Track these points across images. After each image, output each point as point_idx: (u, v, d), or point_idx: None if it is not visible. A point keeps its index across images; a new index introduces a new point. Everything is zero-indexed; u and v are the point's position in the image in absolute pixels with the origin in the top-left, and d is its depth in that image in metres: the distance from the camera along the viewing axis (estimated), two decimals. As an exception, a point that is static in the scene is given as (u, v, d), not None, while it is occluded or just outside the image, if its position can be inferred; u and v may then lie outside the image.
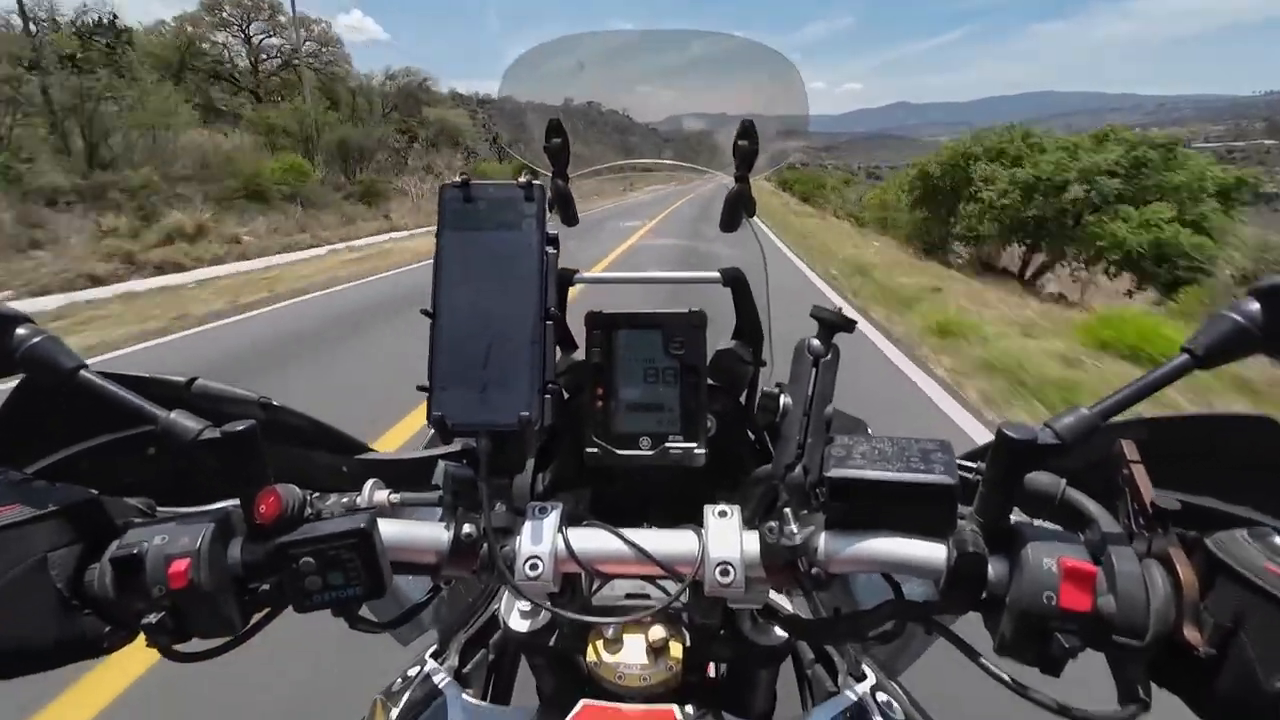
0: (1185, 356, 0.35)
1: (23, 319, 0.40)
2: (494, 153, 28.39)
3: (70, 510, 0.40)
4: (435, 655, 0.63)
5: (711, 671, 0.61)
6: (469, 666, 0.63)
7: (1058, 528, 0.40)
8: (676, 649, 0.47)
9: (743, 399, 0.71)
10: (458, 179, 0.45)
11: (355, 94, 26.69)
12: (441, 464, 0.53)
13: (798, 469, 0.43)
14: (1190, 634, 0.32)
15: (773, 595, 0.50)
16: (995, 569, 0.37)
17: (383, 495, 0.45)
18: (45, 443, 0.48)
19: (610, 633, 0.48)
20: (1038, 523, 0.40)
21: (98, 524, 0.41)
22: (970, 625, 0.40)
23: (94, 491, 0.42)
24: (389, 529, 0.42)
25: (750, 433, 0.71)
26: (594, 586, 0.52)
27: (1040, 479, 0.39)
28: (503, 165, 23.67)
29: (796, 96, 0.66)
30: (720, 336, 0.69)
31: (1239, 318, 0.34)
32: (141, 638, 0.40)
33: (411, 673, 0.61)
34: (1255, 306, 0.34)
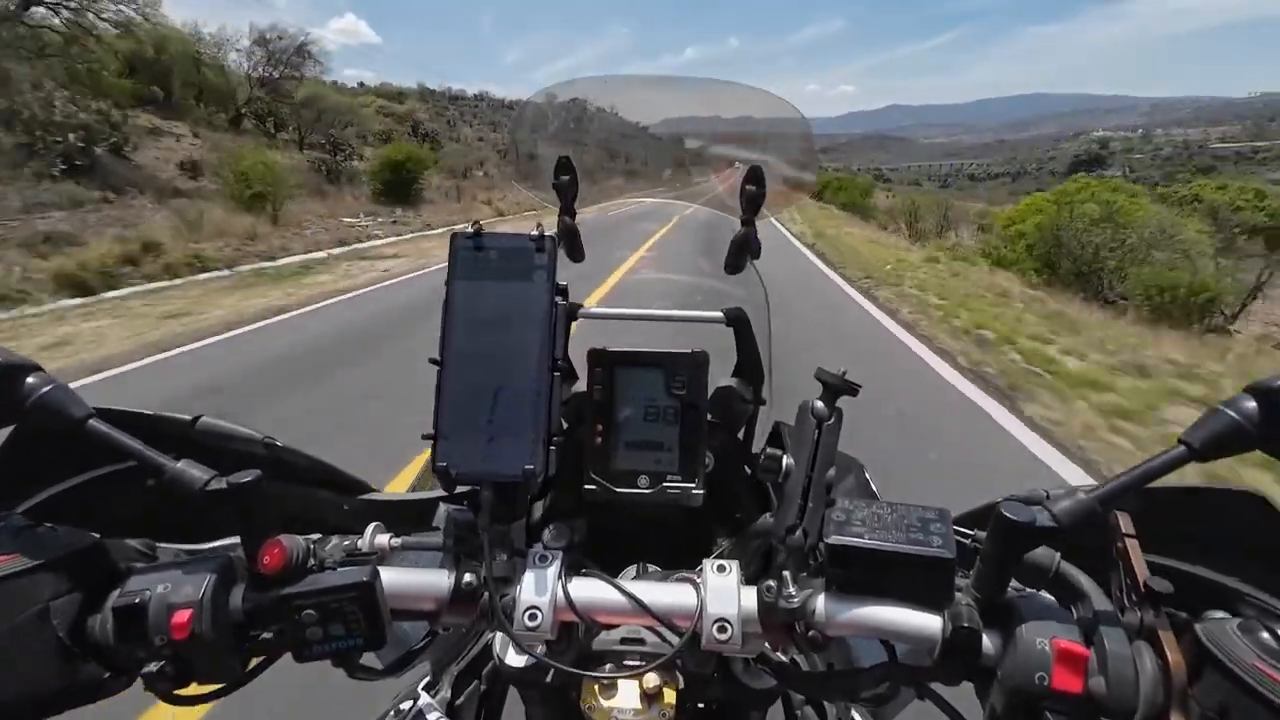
0: (1183, 449, 0.36)
1: (32, 367, 0.40)
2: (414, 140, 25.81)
3: (72, 557, 0.40)
4: (428, 688, 0.63)
5: (702, 710, 0.60)
6: (461, 699, 0.63)
7: (1052, 599, 0.41)
8: (670, 695, 0.47)
9: (741, 436, 0.71)
10: (470, 228, 0.46)
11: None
12: (443, 507, 0.53)
13: (798, 532, 0.43)
14: None
15: (767, 645, 0.50)
16: (989, 643, 0.38)
17: (384, 539, 0.46)
18: (45, 477, 0.47)
19: (605, 681, 0.48)
20: (1031, 593, 0.41)
21: (99, 569, 0.41)
22: (961, 689, 0.41)
23: (95, 535, 0.42)
24: (390, 577, 0.43)
25: (748, 469, 0.70)
26: (591, 631, 0.52)
27: (1038, 552, 0.40)
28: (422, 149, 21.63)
29: (806, 146, 0.68)
30: (720, 372, 0.69)
31: (1236, 415, 0.35)
32: (139, 682, 0.40)
33: (404, 706, 0.61)
34: (1252, 405, 0.35)
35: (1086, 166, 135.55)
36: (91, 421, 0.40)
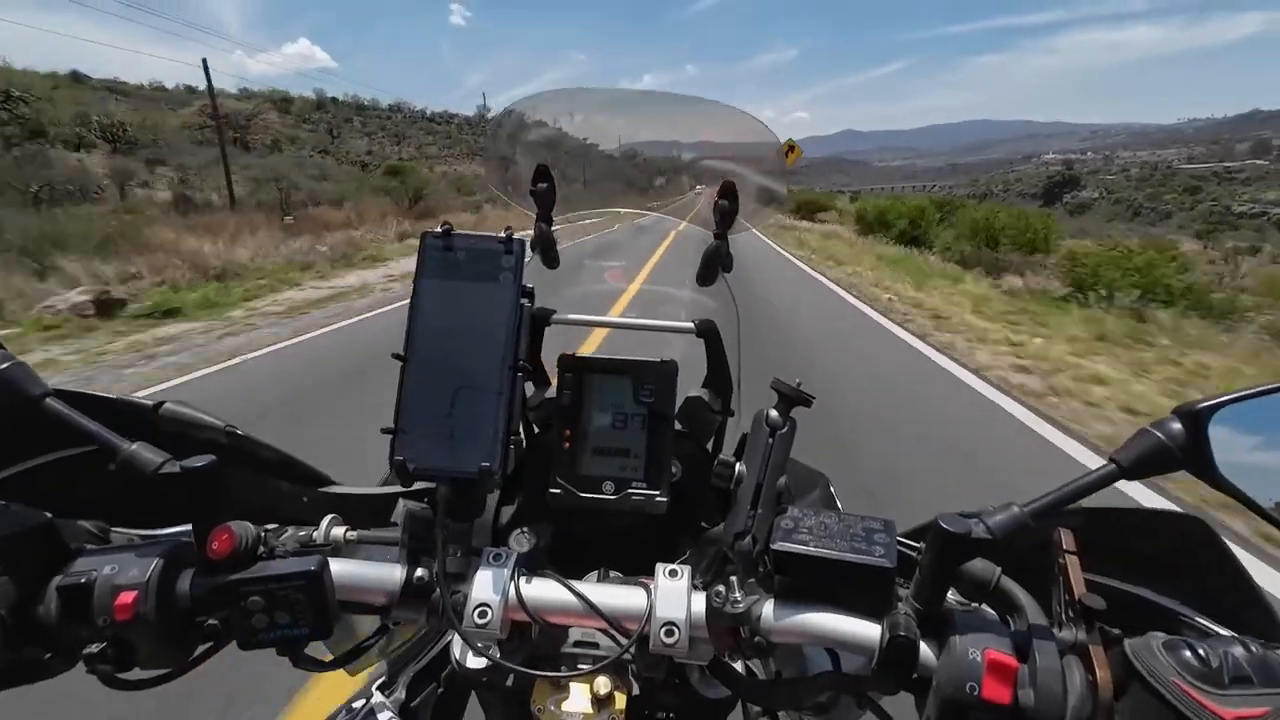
0: (1112, 467, 0.37)
1: None
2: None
3: (21, 536, 0.40)
4: (382, 688, 0.62)
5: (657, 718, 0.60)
6: (416, 701, 0.62)
7: (991, 613, 0.41)
8: (621, 700, 0.47)
9: (709, 446, 0.72)
10: (439, 228, 0.46)
11: None
12: (402, 503, 0.53)
13: (747, 539, 0.44)
14: None
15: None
16: (926, 653, 0.38)
17: (340, 531, 0.46)
18: (2, 457, 0.47)
19: (558, 682, 0.48)
20: (974, 606, 0.42)
21: (48, 549, 0.41)
22: (905, 703, 0.41)
23: (47, 515, 0.42)
24: (341, 569, 0.43)
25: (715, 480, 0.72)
26: (543, 633, 0.52)
27: (978, 565, 0.40)
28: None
29: (776, 162, 0.71)
30: (690, 383, 0.70)
31: (1162, 436, 0.36)
32: (81, 664, 0.40)
33: (356, 705, 0.61)
34: (1177, 427, 0.36)
35: (1061, 189, 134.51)
36: (49, 400, 0.40)
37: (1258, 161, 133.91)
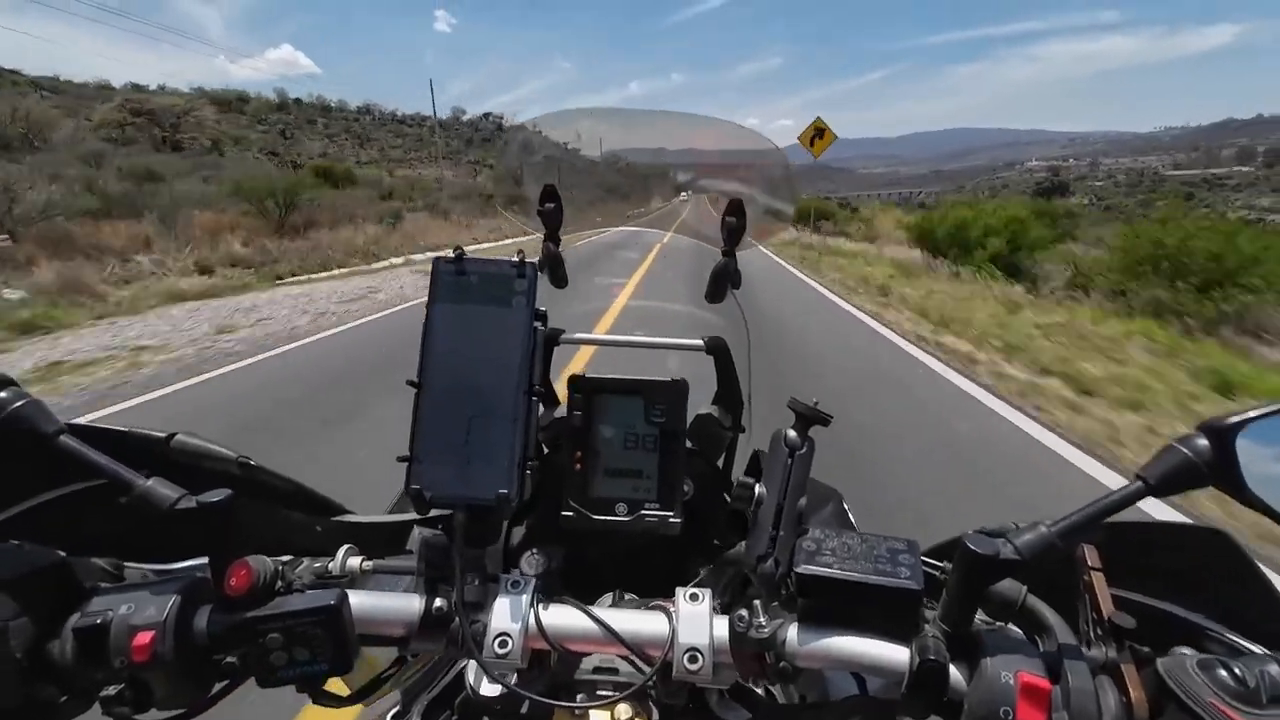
0: (1140, 484, 0.37)
1: (4, 381, 0.39)
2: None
3: (34, 576, 0.39)
4: (397, 717, 0.61)
5: None
6: None
7: (1019, 634, 0.41)
8: None
9: (720, 464, 0.72)
10: (451, 253, 0.46)
11: None
12: (416, 530, 0.53)
13: (770, 561, 0.43)
14: None
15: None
16: (956, 676, 0.38)
17: (355, 562, 0.45)
18: (11, 495, 0.47)
19: (577, 712, 0.47)
20: (1000, 626, 0.41)
21: (62, 589, 0.40)
22: None
23: (61, 553, 0.41)
24: (359, 601, 0.42)
25: (727, 497, 0.70)
26: (563, 660, 0.51)
27: (1003, 585, 0.40)
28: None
29: (784, 179, 0.70)
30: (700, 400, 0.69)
31: (1189, 452, 0.36)
32: (97, 706, 0.39)
33: None
34: (1204, 443, 0.36)
35: (1049, 195, 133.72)
36: (62, 437, 0.40)
37: (1243, 168, 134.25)
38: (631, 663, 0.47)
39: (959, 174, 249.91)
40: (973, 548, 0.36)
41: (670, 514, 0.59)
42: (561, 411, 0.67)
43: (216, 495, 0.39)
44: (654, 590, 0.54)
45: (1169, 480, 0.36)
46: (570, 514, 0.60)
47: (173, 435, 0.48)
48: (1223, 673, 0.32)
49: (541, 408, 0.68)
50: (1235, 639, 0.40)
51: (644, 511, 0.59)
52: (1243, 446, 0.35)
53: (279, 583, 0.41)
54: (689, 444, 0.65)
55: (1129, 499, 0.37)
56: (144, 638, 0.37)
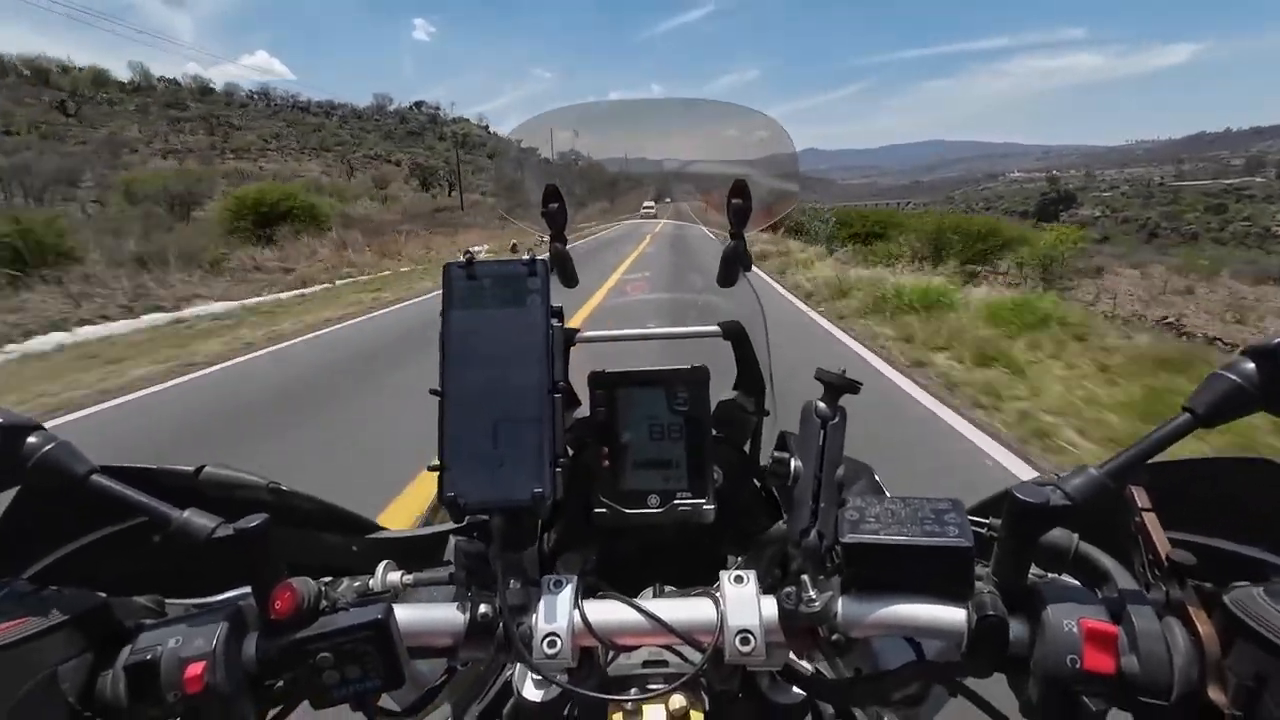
0: (1187, 416, 0.36)
1: (33, 427, 0.39)
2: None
3: (80, 619, 0.39)
4: None
5: None
6: None
7: (1075, 583, 0.40)
8: (697, 717, 0.45)
9: (747, 448, 0.71)
10: (462, 258, 0.46)
11: None
12: (453, 540, 0.52)
13: (812, 534, 0.42)
14: (1215, 694, 0.32)
15: (792, 655, 0.48)
16: (1016, 631, 0.37)
17: (396, 577, 0.45)
18: (50, 541, 0.47)
19: (630, 705, 0.46)
20: (1054, 578, 0.40)
21: (107, 629, 0.40)
22: (992, 681, 0.40)
23: (102, 595, 0.41)
24: (405, 615, 0.42)
25: (757, 482, 0.69)
26: (611, 656, 0.51)
27: (1054, 534, 0.39)
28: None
29: (787, 157, 0.68)
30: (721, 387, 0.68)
31: (1236, 378, 0.35)
32: None
33: None
34: (1251, 366, 0.35)
35: (1055, 206, 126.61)
36: (94, 477, 0.40)
37: (1255, 179, 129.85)
38: (680, 654, 0.47)
39: (939, 185, 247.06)
40: (1022, 497, 0.36)
41: (703, 501, 0.59)
42: (583, 411, 0.66)
43: (253, 520, 0.38)
44: (692, 581, 0.54)
45: (1218, 408, 0.35)
46: (603, 510, 0.60)
47: (201, 468, 0.48)
48: None
49: (564, 409, 0.67)
50: None
51: (676, 501, 0.59)
52: None
53: (323, 603, 0.41)
54: (715, 431, 0.65)
55: (1178, 432, 0.36)
56: (195, 669, 0.37)
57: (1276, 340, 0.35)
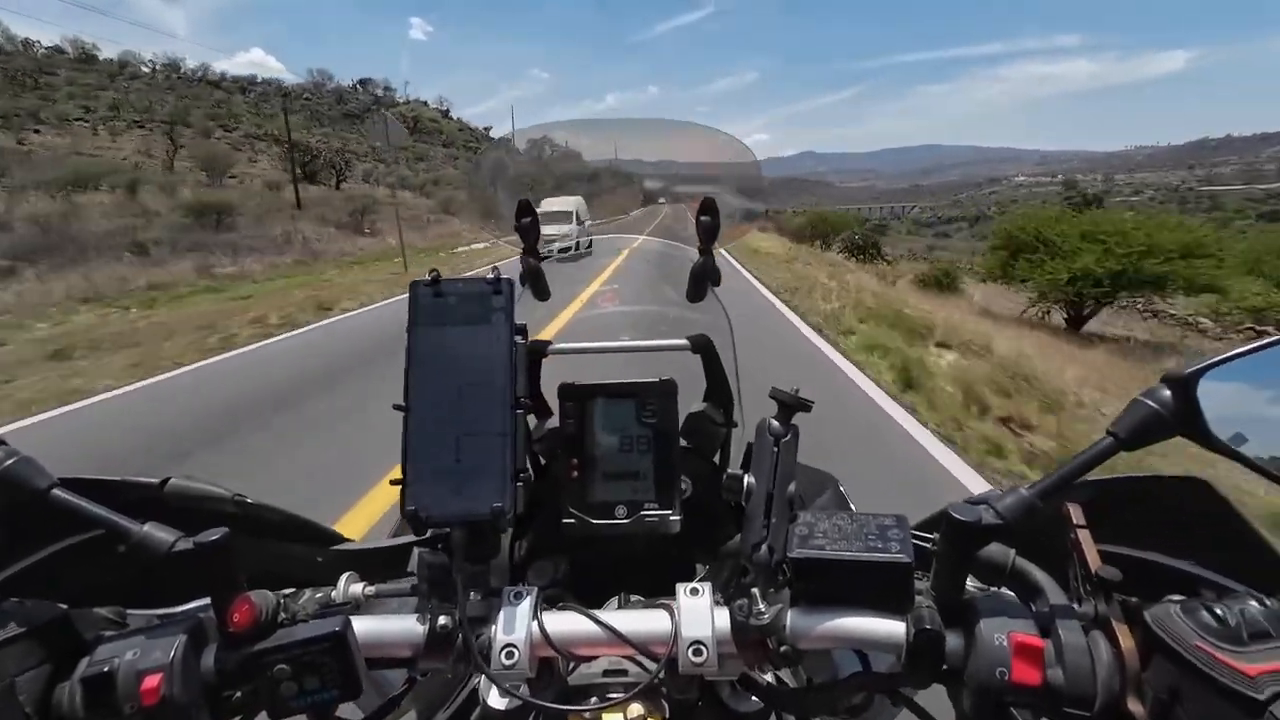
0: (1110, 440, 0.38)
1: None
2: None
3: (39, 630, 0.39)
4: None
5: None
6: None
7: (1011, 596, 0.41)
8: None
9: (716, 459, 0.72)
10: (428, 276, 0.47)
11: None
12: (416, 552, 0.53)
13: (763, 549, 0.43)
14: (1134, 706, 0.34)
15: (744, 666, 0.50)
16: (952, 644, 0.38)
17: (358, 589, 0.46)
18: (11, 553, 0.47)
19: (589, 714, 0.47)
20: (992, 591, 0.42)
21: (67, 640, 0.40)
22: (937, 695, 0.41)
23: (62, 606, 0.41)
24: (364, 626, 0.42)
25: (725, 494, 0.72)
26: (571, 666, 0.52)
27: (992, 550, 0.41)
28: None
29: (753, 176, 0.72)
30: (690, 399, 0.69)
31: (1154, 404, 0.37)
32: None
33: None
34: (1167, 394, 0.37)
35: (1083, 209, 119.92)
36: (55, 491, 0.40)
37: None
38: (639, 664, 0.48)
39: (940, 188, 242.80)
40: (956, 515, 0.37)
41: (670, 512, 0.60)
42: (554, 422, 0.67)
43: (213, 534, 0.39)
44: (659, 590, 0.55)
45: (1137, 433, 0.37)
46: (571, 521, 0.61)
47: (166, 480, 0.48)
48: (1205, 615, 0.33)
49: (534, 419, 0.69)
50: (1222, 581, 0.41)
51: (644, 512, 0.60)
52: (1205, 394, 0.36)
53: (282, 615, 0.41)
54: (684, 443, 0.66)
55: (1101, 455, 0.38)
56: (152, 681, 0.37)
57: (1189, 370, 0.36)
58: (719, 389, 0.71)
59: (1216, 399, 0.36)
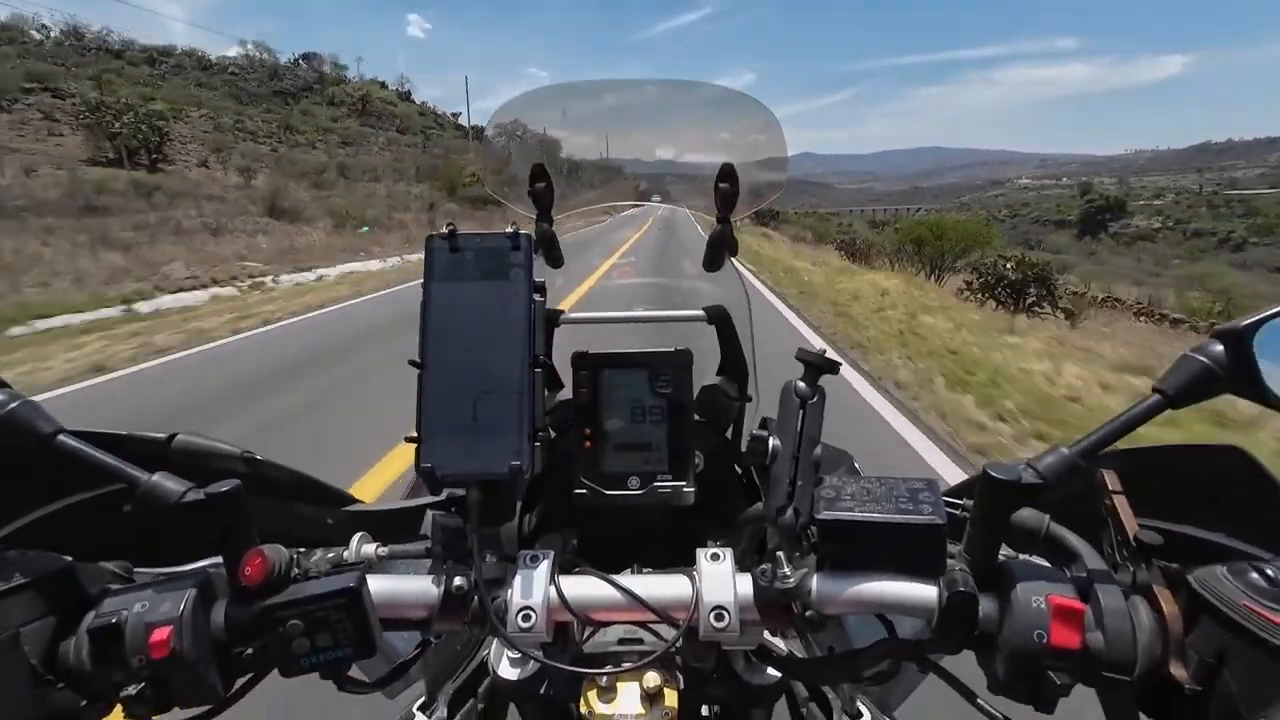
0: (1157, 397, 0.37)
1: None
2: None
3: (43, 581, 0.38)
4: (423, 708, 0.60)
5: (705, 711, 0.58)
6: (458, 717, 0.61)
7: (1045, 563, 0.40)
8: (671, 696, 0.46)
9: (729, 434, 0.71)
10: (444, 230, 0.45)
11: None
12: (429, 513, 0.52)
13: (789, 512, 0.42)
14: (1176, 670, 0.33)
15: (766, 635, 0.48)
16: (986, 608, 0.37)
17: (370, 549, 0.45)
18: (16, 505, 0.46)
19: (604, 681, 0.46)
20: (1024, 558, 0.41)
21: (73, 593, 0.39)
22: (963, 661, 0.40)
23: (68, 558, 0.40)
24: (378, 585, 0.41)
25: (738, 467, 0.70)
26: (586, 633, 0.51)
27: (1025, 515, 0.40)
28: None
29: (775, 141, 0.68)
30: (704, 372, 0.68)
31: (1205, 359, 0.36)
32: (118, 709, 0.38)
33: None
34: (1219, 348, 0.36)
35: (1105, 215, 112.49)
36: (61, 438, 0.39)
37: None
38: (655, 633, 0.47)
39: (941, 191, 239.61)
40: (994, 474, 0.36)
41: (683, 484, 0.59)
42: (566, 393, 0.66)
43: (225, 485, 0.38)
44: (671, 562, 0.53)
45: (1186, 390, 0.36)
46: (583, 491, 0.60)
47: (173, 436, 0.47)
48: (1255, 576, 0.32)
49: (546, 390, 0.67)
50: (1260, 553, 0.39)
51: (656, 484, 0.59)
52: (1259, 347, 0.35)
53: (295, 571, 0.40)
54: (697, 416, 0.65)
55: (1148, 412, 0.36)
56: (161, 634, 0.36)
57: (1244, 323, 0.35)
58: (734, 362, 0.70)
59: (1272, 353, 0.35)
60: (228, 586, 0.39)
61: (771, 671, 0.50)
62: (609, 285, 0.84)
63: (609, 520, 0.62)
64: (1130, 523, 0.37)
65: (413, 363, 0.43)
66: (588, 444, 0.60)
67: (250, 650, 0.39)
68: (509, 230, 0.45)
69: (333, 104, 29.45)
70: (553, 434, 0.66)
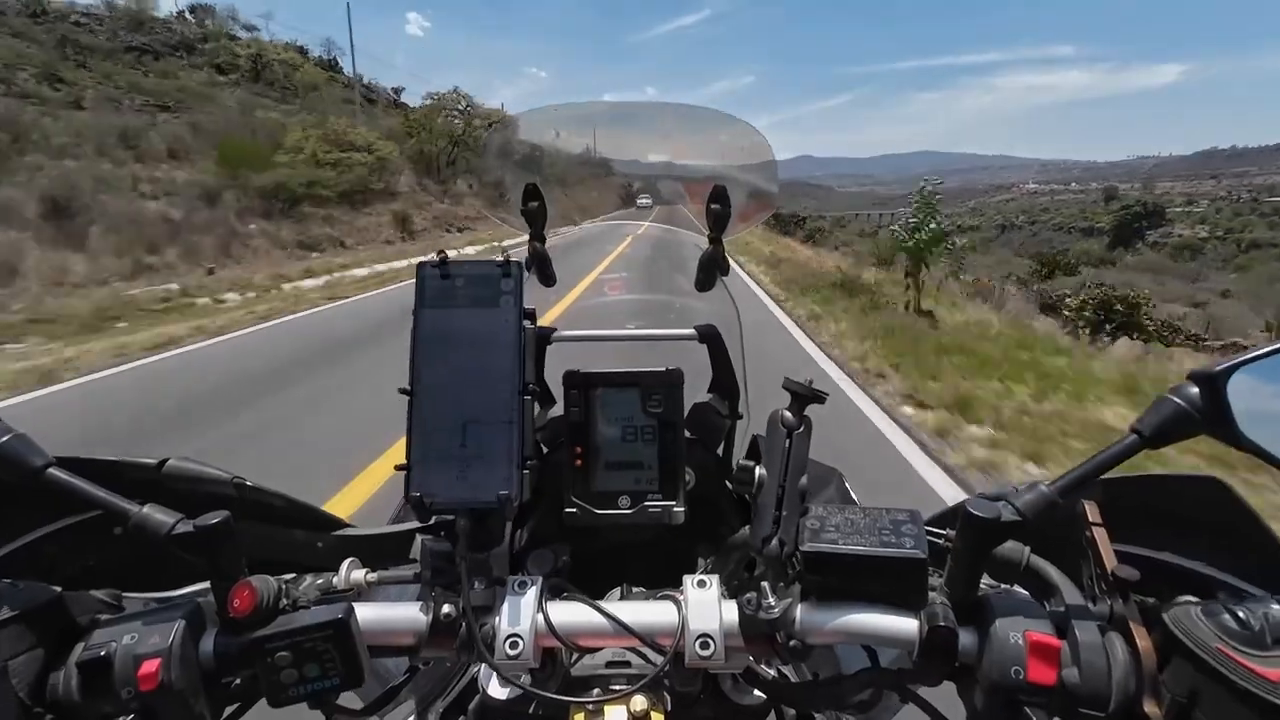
0: (1134, 437, 0.37)
1: None
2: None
3: (32, 613, 0.38)
4: None
5: None
6: None
7: (1025, 595, 0.41)
8: (658, 718, 0.46)
9: (720, 451, 0.72)
10: (435, 256, 0.46)
11: None
12: (419, 538, 0.52)
13: (774, 542, 0.43)
14: (1150, 708, 0.33)
15: (751, 659, 0.49)
16: (965, 641, 0.38)
17: (360, 575, 0.45)
18: (4, 534, 0.46)
19: (591, 706, 0.46)
20: (1005, 588, 0.41)
21: (61, 624, 0.39)
22: (945, 690, 0.41)
23: (57, 589, 0.40)
24: (366, 613, 0.42)
25: (729, 484, 0.70)
26: (575, 657, 0.51)
27: (1006, 547, 0.41)
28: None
29: (766, 165, 0.69)
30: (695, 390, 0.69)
31: (1181, 402, 0.36)
32: None
33: None
34: (1194, 391, 0.36)
35: (1142, 223, 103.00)
36: (51, 470, 0.39)
37: None
38: (643, 655, 0.48)
39: (944, 195, 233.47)
40: (974, 512, 0.36)
41: (673, 504, 0.60)
42: (558, 410, 0.66)
43: (214, 517, 0.38)
44: (661, 582, 0.54)
45: (1163, 431, 0.36)
46: (573, 510, 0.60)
47: (164, 461, 0.47)
48: (1227, 618, 0.33)
49: (538, 407, 0.68)
50: (1238, 584, 0.40)
51: (647, 503, 0.60)
52: (1234, 392, 0.35)
53: (284, 601, 0.40)
54: (688, 434, 0.65)
55: (1125, 452, 0.37)
56: (150, 666, 0.36)
57: (1219, 367, 0.36)
58: (725, 380, 0.70)
59: (1246, 398, 0.35)
60: (217, 616, 0.39)
61: (758, 693, 0.50)
62: (592, 302, 0.84)
63: (599, 538, 0.62)
64: (1109, 557, 0.38)
65: (403, 390, 0.43)
66: (579, 462, 0.61)
67: (239, 680, 0.39)
68: (499, 258, 0.45)
69: (220, 70, 22.51)
70: (544, 450, 0.67)
